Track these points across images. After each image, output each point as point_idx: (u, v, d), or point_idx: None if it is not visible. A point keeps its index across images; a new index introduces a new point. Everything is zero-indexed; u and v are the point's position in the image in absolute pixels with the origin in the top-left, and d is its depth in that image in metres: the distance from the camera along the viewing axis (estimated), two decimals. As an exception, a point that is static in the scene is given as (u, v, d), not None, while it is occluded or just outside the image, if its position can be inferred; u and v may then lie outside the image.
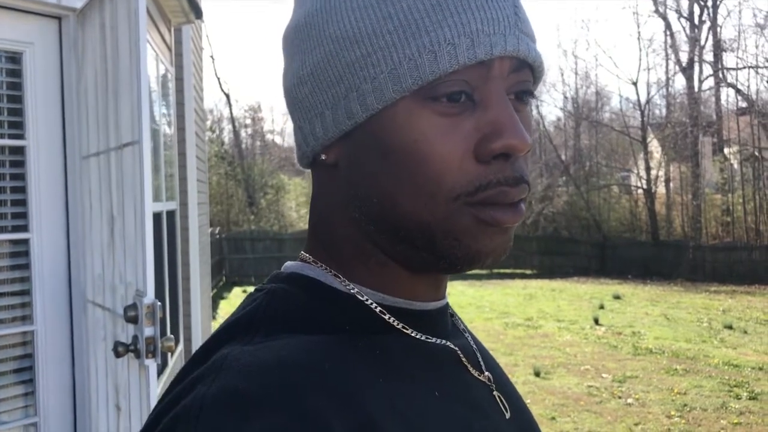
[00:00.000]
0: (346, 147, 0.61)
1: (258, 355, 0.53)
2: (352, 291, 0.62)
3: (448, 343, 0.66)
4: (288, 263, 0.68)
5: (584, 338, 10.05)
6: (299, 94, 0.63)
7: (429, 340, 0.64)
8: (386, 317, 0.62)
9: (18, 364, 2.68)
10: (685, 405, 6.65)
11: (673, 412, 6.42)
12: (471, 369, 0.68)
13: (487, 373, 0.70)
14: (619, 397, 6.94)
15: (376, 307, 0.62)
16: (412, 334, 0.63)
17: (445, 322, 0.69)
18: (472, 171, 0.56)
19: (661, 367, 8.20)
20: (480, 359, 0.72)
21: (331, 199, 0.64)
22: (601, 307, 13.13)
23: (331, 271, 0.64)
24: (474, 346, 0.73)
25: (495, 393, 0.69)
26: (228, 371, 0.51)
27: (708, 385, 7.37)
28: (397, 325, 0.62)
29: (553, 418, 6.23)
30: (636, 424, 6.09)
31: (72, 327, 2.72)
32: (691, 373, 7.95)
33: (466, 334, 0.74)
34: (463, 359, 0.67)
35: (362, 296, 0.62)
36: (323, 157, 0.63)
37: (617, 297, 14.76)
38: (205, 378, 0.52)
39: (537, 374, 7.75)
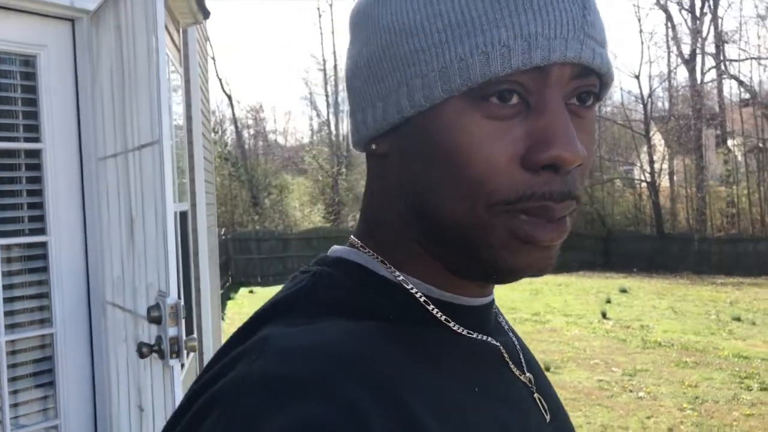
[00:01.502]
0: (395, 139, 0.60)
1: (300, 339, 0.52)
2: (398, 279, 0.62)
3: (491, 340, 0.65)
4: (335, 247, 0.67)
5: (592, 332, 10.05)
6: (354, 82, 0.63)
7: (471, 335, 0.63)
8: (431, 308, 0.61)
9: (38, 367, 2.69)
10: (697, 397, 6.64)
11: (685, 405, 6.41)
12: (513, 368, 0.67)
13: (528, 375, 0.69)
14: (630, 391, 6.93)
15: (421, 297, 0.61)
16: (456, 328, 0.62)
17: (489, 318, 0.68)
18: (517, 179, 0.54)
19: (671, 360, 8.19)
20: (522, 360, 0.71)
21: (381, 189, 0.64)
22: (608, 301, 13.12)
23: (378, 258, 0.63)
24: (518, 346, 0.72)
25: (536, 395, 0.68)
26: (269, 353, 0.51)
27: (719, 377, 7.36)
28: (441, 317, 0.61)
29: (566, 413, 6.23)
30: (648, 417, 6.08)
31: (91, 329, 2.72)
32: (701, 365, 7.94)
33: (510, 333, 0.74)
34: (506, 356, 0.67)
35: (408, 285, 0.61)
36: (374, 147, 0.63)
37: (624, 291, 14.75)
38: (244, 358, 0.52)
39: (547, 369, 7.75)
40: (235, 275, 18.58)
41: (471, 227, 0.56)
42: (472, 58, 0.52)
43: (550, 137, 0.53)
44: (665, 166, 25.20)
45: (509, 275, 0.58)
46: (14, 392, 2.61)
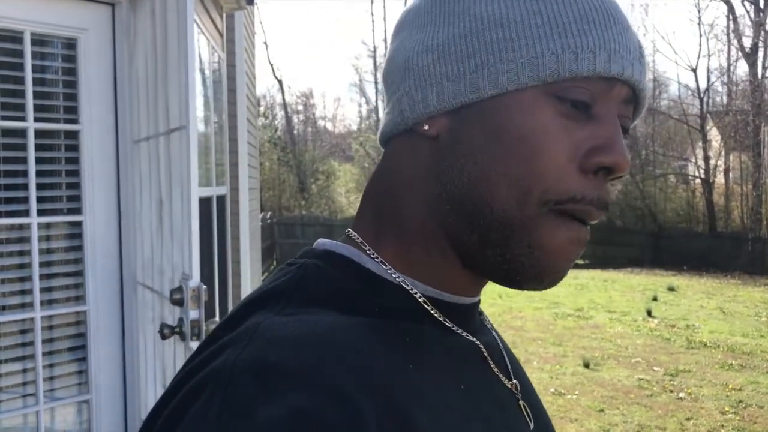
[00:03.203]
0: (453, 121, 0.61)
1: (291, 328, 0.53)
2: (387, 273, 0.62)
3: (475, 339, 0.66)
4: (321, 240, 0.68)
5: (636, 330, 9.86)
6: (420, 61, 0.62)
7: (457, 332, 0.64)
8: (418, 298, 0.62)
9: (72, 343, 2.76)
10: (741, 401, 6.47)
11: (727, 408, 6.25)
12: (496, 370, 0.68)
13: (514, 381, 0.70)
14: (671, 391, 6.79)
15: (414, 292, 0.62)
16: (444, 322, 0.63)
17: (474, 317, 0.69)
18: (572, 179, 0.58)
19: (715, 362, 7.99)
20: (509, 365, 0.71)
21: (410, 173, 0.64)
22: (655, 299, 12.85)
23: (368, 252, 0.64)
24: (503, 349, 0.73)
25: (521, 402, 0.69)
26: (260, 340, 0.51)
27: (765, 382, 7.15)
28: (432, 310, 0.62)
29: (602, 411, 6.14)
30: (688, 419, 5.95)
31: (123, 308, 2.78)
32: (747, 368, 7.73)
33: (494, 333, 0.74)
34: (487, 357, 0.67)
35: (395, 279, 0.62)
36: (426, 127, 0.63)
37: (671, 289, 14.42)
38: (236, 344, 0.52)
39: (586, 365, 7.64)
40: (280, 259, 18.82)
41: (517, 221, 0.58)
42: (563, 55, 0.57)
43: (611, 144, 0.58)
44: (720, 162, 24.50)
45: (532, 280, 0.60)
46: (49, 366, 2.69)
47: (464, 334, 0.65)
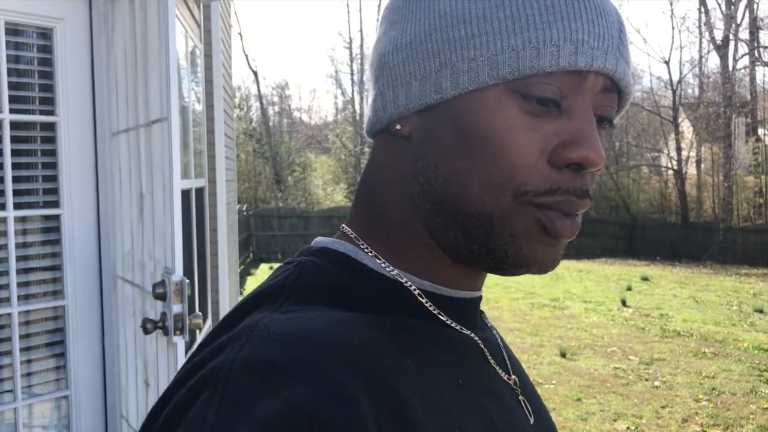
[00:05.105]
0: (424, 121, 0.61)
1: (288, 325, 0.53)
2: (383, 268, 0.63)
3: (472, 334, 0.66)
4: (319, 238, 0.68)
5: (611, 320, 9.98)
6: (391, 60, 0.63)
7: (454, 327, 0.64)
8: (415, 292, 0.62)
9: (50, 338, 2.72)
10: (714, 389, 6.58)
11: (701, 396, 6.35)
12: (495, 366, 0.68)
13: (513, 377, 0.70)
14: (646, 380, 6.89)
15: (411, 287, 0.62)
16: (441, 317, 0.63)
17: (473, 313, 0.69)
18: (544, 172, 0.57)
19: (689, 350, 8.11)
20: (507, 361, 0.72)
21: (391, 172, 0.65)
22: (629, 288, 13.01)
23: (363, 247, 0.64)
24: (501, 346, 0.73)
25: (521, 398, 0.69)
26: (258, 338, 0.52)
27: (737, 369, 7.27)
28: (429, 305, 0.62)
29: (579, 400, 6.21)
30: (663, 407, 6.04)
31: (102, 302, 2.75)
32: (720, 356, 7.86)
33: (494, 331, 0.75)
34: (486, 352, 0.67)
35: (392, 274, 0.62)
36: (398, 126, 0.63)
37: (645, 279, 14.60)
38: (234, 342, 0.52)
39: (563, 355, 7.72)
40: (256, 251, 18.72)
41: (496, 215, 0.58)
42: (523, 51, 0.56)
43: (580, 138, 0.57)
44: (693, 153, 24.84)
45: (520, 267, 0.60)
46: (27, 362, 2.65)
47: (460, 328, 0.65)
